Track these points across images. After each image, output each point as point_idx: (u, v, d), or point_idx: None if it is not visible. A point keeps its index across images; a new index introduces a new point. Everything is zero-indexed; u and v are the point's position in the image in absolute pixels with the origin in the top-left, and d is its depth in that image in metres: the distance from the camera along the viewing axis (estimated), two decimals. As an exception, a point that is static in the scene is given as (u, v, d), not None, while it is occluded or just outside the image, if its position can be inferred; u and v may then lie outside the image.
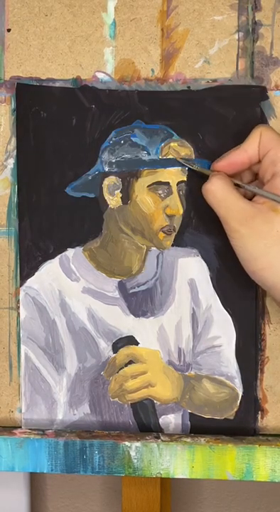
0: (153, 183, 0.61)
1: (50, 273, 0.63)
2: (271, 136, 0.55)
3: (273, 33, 0.61)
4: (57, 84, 0.62)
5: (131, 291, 0.62)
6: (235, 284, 0.61)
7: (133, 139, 0.61)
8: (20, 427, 0.63)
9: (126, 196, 0.61)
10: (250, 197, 0.57)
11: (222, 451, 0.59)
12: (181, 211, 0.61)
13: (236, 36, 0.61)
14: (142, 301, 0.62)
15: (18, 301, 0.63)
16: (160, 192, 0.61)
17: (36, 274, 0.63)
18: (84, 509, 0.85)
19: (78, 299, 0.63)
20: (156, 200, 0.61)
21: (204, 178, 0.61)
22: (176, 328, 0.62)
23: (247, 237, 0.54)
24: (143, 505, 0.66)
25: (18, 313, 0.63)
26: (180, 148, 0.61)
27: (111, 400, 0.63)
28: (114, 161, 0.61)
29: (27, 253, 0.63)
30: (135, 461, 0.60)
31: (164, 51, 0.62)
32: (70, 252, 0.63)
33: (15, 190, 0.63)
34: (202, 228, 0.61)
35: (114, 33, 0.62)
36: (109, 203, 0.62)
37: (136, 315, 0.62)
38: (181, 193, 0.61)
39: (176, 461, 0.60)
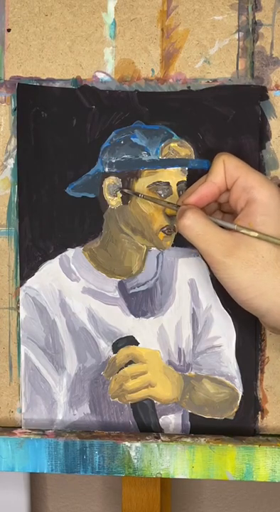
0: (153, 183, 0.61)
1: (50, 273, 0.63)
2: (235, 164, 0.54)
3: (274, 32, 0.61)
4: (57, 84, 0.62)
5: (131, 292, 0.62)
6: (235, 284, 0.61)
7: (134, 140, 0.61)
8: (20, 427, 0.63)
9: (126, 196, 0.61)
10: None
11: (222, 451, 0.59)
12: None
13: (236, 36, 0.61)
14: (142, 301, 0.62)
15: (18, 301, 0.63)
16: (160, 192, 0.61)
17: (36, 274, 0.63)
18: (84, 509, 0.85)
19: (78, 299, 0.63)
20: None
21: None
22: (176, 328, 0.62)
23: (234, 268, 0.52)
24: (143, 505, 0.66)
25: (18, 314, 0.63)
26: (180, 148, 0.61)
27: (111, 400, 0.63)
28: (114, 161, 0.61)
29: (27, 253, 0.63)
30: (135, 461, 0.60)
31: (164, 51, 0.62)
32: (70, 252, 0.63)
33: (16, 190, 0.63)
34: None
35: (114, 33, 0.62)
36: (109, 203, 0.62)
37: (136, 315, 0.62)
38: (181, 193, 0.61)
39: (176, 461, 0.60)
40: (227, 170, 0.54)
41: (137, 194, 0.60)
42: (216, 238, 0.53)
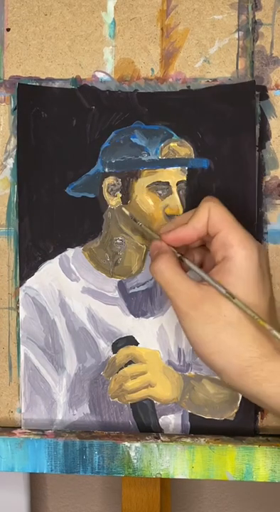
0: (152, 183, 0.61)
1: (49, 273, 0.63)
2: (220, 214, 0.53)
3: (274, 32, 0.61)
4: (57, 84, 0.62)
5: (130, 291, 0.62)
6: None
7: (133, 140, 0.61)
8: (20, 428, 0.63)
9: (126, 196, 0.61)
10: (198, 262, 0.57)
11: (222, 451, 0.59)
12: (181, 211, 0.61)
13: (236, 35, 0.61)
14: (142, 301, 0.62)
15: (17, 301, 0.63)
16: (159, 192, 0.61)
17: (36, 274, 0.63)
18: (84, 509, 0.85)
19: (78, 299, 0.63)
20: (156, 200, 0.61)
21: (203, 178, 0.61)
22: (176, 328, 0.62)
23: (196, 321, 0.52)
24: (143, 506, 0.66)
25: (18, 314, 0.63)
26: (179, 148, 0.61)
27: (111, 400, 0.63)
28: (113, 161, 0.61)
29: (27, 253, 0.62)
30: (135, 461, 0.60)
31: (164, 50, 0.62)
32: (69, 252, 0.63)
33: (15, 190, 0.63)
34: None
35: (113, 33, 0.62)
36: (108, 203, 0.62)
37: (136, 315, 0.62)
38: (181, 192, 0.61)
39: (176, 461, 0.60)
40: (210, 219, 0.53)
41: (132, 217, 0.60)
42: (184, 289, 0.52)
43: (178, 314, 0.53)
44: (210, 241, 0.54)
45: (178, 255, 0.55)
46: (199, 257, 0.57)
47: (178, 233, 0.54)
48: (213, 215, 0.53)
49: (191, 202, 0.61)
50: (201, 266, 0.57)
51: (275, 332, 0.51)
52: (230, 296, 0.51)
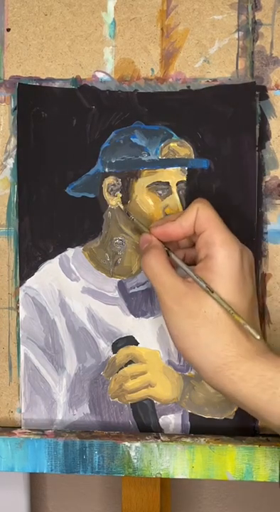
0: (152, 183, 0.61)
1: (49, 273, 0.63)
2: (207, 215, 0.54)
3: (273, 32, 0.61)
4: (57, 84, 0.62)
5: (130, 291, 0.62)
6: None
7: (133, 140, 0.61)
8: (20, 427, 0.63)
9: (126, 196, 0.61)
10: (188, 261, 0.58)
11: (222, 451, 0.59)
12: (181, 211, 0.61)
13: (236, 35, 0.61)
14: (142, 301, 0.62)
15: (17, 301, 0.63)
16: (159, 192, 0.61)
17: (36, 274, 0.63)
18: (84, 509, 0.85)
19: (78, 298, 0.63)
20: (156, 200, 0.61)
21: (203, 179, 0.61)
22: (176, 328, 0.62)
23: (178, 315, 0.53)
24: (143, 505, 0.66)
25: (18, 313, 0.63)
26: (179, 148, 0.61)
27: (111, 400, 0.63)
28: (113, 161, 0.61)
29: (27, 253, 0.63)
30: (135, 461, 0.60)
31: (164, 50, 0.62)
32: (69, 252, 0.63)
33: (15, 190, 0.63)
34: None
35: (113, 33, 0.62)
36: (108, 203, 0.62)
37: (136, 315, 0.62)
38: (181, 193, 0.61)
39: (176, 461, 0.60)
40: (197, 219, 0.55)
41: (128, 214, 0.61)
42: (170, 283, 0.54)
43: (162, 308, 0.55)
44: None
45: (166, 249, 0.56)
46: (189, 257, 0.59)
47: (166, 228, 0.56)
48: (200, 215, 0.54)
49: (191, 202, 0.61)
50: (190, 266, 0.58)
51: (248, 327, 0.52)
52: (209, 291, 0.52)
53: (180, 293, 0.54)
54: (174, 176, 0.61)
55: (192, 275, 0.54)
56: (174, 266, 0.56)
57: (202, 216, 0.54)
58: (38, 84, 0.62)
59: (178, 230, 0.56)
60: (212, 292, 0.52)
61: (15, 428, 0.63)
